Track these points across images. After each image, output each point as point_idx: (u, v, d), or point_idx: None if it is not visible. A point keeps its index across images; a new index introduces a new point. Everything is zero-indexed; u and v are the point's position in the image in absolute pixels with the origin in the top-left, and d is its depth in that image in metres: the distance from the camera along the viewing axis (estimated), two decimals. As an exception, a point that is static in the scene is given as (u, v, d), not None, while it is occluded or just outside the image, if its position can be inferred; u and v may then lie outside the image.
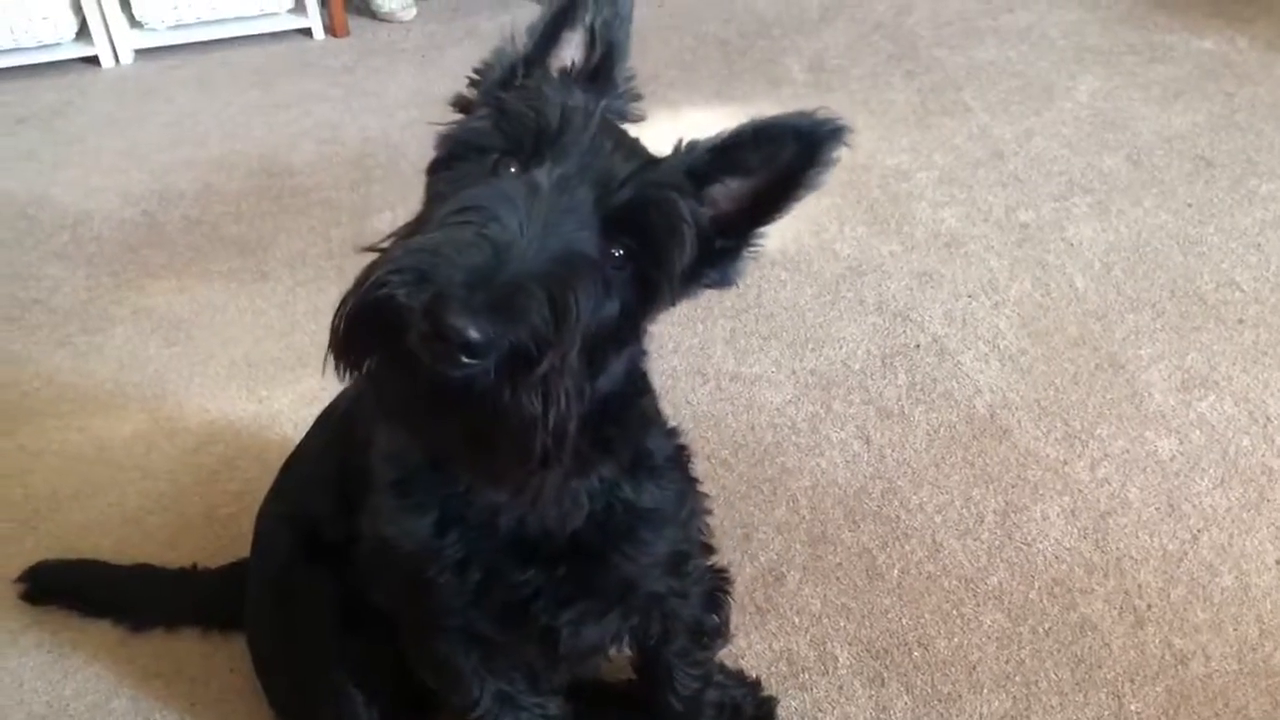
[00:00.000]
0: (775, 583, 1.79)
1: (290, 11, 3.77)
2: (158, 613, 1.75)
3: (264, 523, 1.58)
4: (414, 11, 3.94)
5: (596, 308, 0.97)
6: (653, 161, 1.03)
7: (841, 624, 1.73)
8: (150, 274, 2.63)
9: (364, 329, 0.91)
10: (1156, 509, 1.88)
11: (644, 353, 1.18)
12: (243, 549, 1.63)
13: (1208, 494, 1.91)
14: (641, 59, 3.57)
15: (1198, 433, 2.02)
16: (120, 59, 3.69)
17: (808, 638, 1.71)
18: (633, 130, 1.10)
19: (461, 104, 1.12)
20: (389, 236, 1.00)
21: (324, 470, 1.44)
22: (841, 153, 1.02)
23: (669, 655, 1.49)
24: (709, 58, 3.51)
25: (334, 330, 0.93)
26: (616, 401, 1.13)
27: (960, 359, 2.22)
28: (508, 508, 1.16)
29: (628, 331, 1.06)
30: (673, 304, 1.07)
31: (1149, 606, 1.73)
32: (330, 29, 3.78)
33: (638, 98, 1.14)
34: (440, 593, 1.19)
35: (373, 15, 3.92)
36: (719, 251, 1.08)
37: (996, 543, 1.84)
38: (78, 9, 3.60)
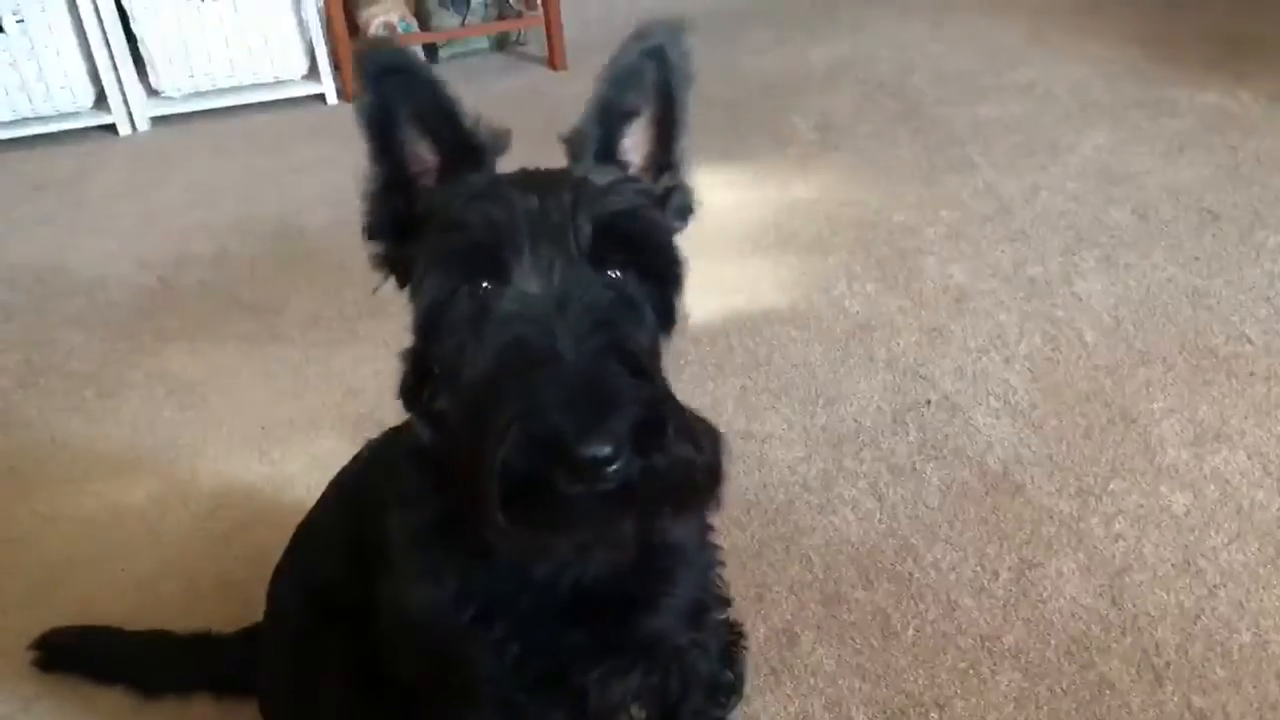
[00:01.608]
0: (789, 643, 1.78)
1: (304, 78, 3.84)
2: (171, 680, 1.73)
3: (277, 588, 1.57)
4: (425, 76, 4.00)
5: (649, 327, 1.05)
6: (579, 182, 1.05)
7: (857, 685, 1.71)
8: (165, 338, 2.65)
9: (515, 507, 0.93)
10: (1172, 565, 1.87)
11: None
12: (256, 614, 1.63)
13: (1223, 549, 1.89)
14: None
15: (1212, 487, 2.01)
16: (137, 126, 3.76)
17: (823, 699, 1.69)
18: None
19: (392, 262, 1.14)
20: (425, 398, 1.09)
21: (337, 536, 1.45)
22: (691, 39, 1.09)
23: (686, 714, 1.48)
24: (716, 118, 3.55)
25: (493, 520, 0.93)
26: None
27: (971, 415, 2.22)
28: (572, 566, 1.17)
29: (671, 318, 1.10)
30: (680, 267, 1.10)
31: (1167, 664, 1.71)
32: (343, 94, 3.85)
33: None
34: (476, 663, 1.19)
35: (385, 80, 3.98)
36: (667, 192, 1.14)
37: (1012, 600, 1.83)
38: (95, 78, 3.67)
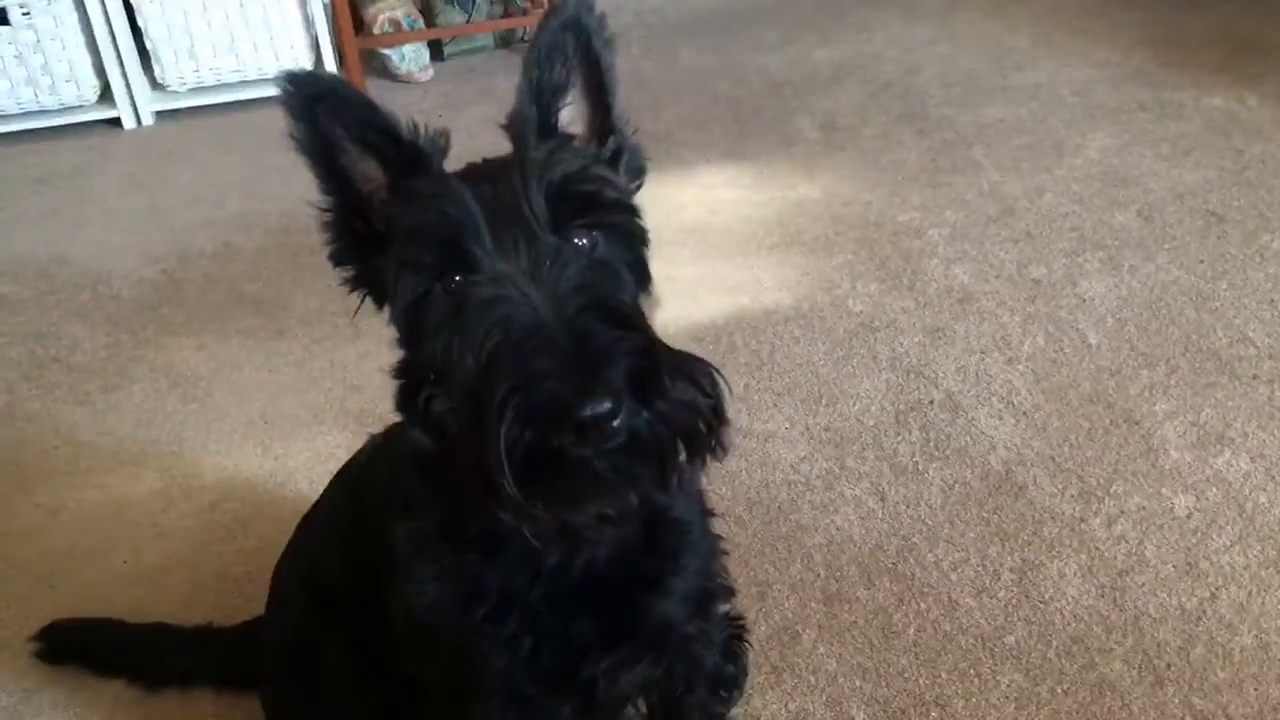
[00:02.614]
0: (790, 642, 1.78)
1: (309, 73, 3.83)
2: (173, 672, 1.74)
3: (279, 582, 1.58)
4: (431, 72, 4.00)
5: (626, 285, 1.07)
6: (523, 161, 1.06)
7: (858, 684, 1.71)
8: (169, 332, 2.66)
9: (530, 482, 0.94)
10: (1174, 567, 1.87)
11: None
12: (258, 607, 1.64)
13: (1225, 551, 1.89)
14: (655, 119, 3.64)
15: (1214, 490, 2.01)
16: (142, 120, 3.76)
17: (824, 698, 1.70)
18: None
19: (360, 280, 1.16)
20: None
21: (340, 530, 1.45)
22: (599, 6, 1.13)
23: (688, 708, 1.48)
24: (721, 117, 3.55)
25: (510, 499, 0.95)
26: None
27: (974, 415, 2.22)
28: (583, 548, 1.17)
29: (645, 275, 1.13)
30: (642, 220, 1.13)
31: (1168, 666, 1.71)
32: (348, 90, 3.84)
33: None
34: (488, 659, 1.20)
35: (391, 77, 3.99)
36: (615, 154, 1.16)
37: (1014, 601, 1.83)
38: (100, 72, 3.67)
